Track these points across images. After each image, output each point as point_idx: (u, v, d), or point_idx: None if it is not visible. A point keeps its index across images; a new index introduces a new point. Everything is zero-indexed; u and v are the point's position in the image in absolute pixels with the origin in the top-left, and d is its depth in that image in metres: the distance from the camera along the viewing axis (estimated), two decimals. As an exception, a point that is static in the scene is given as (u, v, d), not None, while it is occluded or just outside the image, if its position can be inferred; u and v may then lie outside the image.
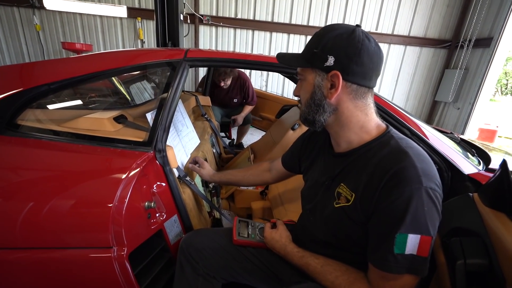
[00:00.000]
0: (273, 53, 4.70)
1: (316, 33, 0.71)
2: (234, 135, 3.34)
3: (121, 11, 4.33)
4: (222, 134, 3.26)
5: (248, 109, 2.93)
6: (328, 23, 4.67)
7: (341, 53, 0.66)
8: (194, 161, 1.27)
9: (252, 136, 3.82)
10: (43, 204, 0.82)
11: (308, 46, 0.72)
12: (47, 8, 4.20)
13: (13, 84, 0.98)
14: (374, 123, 0.73)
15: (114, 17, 4.44)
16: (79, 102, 1.29)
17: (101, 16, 4.42)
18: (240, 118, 2.89)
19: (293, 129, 1.73)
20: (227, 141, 3.28)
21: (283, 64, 0.79)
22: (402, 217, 0.59)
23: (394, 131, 0.73)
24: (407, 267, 0.60)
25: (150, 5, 4.36)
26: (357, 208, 0.67)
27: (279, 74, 2.93)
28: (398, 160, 0.63)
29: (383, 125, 0.75)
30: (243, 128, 3.12)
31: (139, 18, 4.41)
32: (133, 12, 4.39)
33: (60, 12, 4.31)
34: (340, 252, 0.75)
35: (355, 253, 0.72)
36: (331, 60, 0.67)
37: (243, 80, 2.87)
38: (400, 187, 0.60)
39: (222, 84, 2.71)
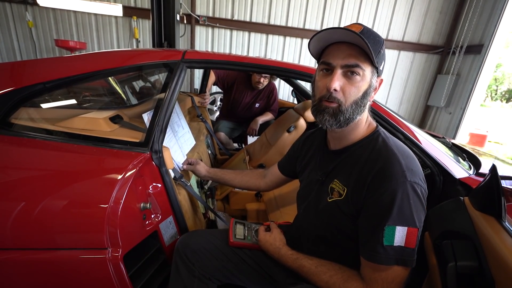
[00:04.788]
0: (269, 56, 4.72)
1: (374, 32, 0.66)
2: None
3: (116, 10, 4.28)
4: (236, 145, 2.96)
5: (269, 116, 2.54)
6: (324, 27, 4.73)
7: (384, 62, 0.71)
8: (187, 162, 1.27)
9: (247, 138, 3.81)
10: (37, 204, 0.80)
11: (374, 43, 0.64)
12: (40, 5, 4.12)
13: (6, 83, 0.97)
14: (368, 120, 0.78)
15: (109, 16, 4.39)
16: (74, 101, 1.27)
17: (95, 14, 4.36)
18: (256, 122, 2.45)
19: (288, 131, 1.74)
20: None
21: (365, 44, 0.62)
22: (389, 210, 0.62)
23: (382, 130, 0.78)
24: (396, 258, 0.63)
25: (146, 4, 4.32)
26: (348, 201, 0.71)
27: (276, 76, 2.92)
28: (384, 157, 0.67)
29: (374, 123, 0.79)
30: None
31: (135, 17, 4.37)
32: (129, 11, 4.34)
33: (53, 9, 4.24)
34: (334, 248, 0.78)
35: (348, 249, 0.74)
36: (382, 66, 0.71)
37: (272, 86, 2.56)
38: (386, 182, 0.64)
39: (262, 80, 2.37)
